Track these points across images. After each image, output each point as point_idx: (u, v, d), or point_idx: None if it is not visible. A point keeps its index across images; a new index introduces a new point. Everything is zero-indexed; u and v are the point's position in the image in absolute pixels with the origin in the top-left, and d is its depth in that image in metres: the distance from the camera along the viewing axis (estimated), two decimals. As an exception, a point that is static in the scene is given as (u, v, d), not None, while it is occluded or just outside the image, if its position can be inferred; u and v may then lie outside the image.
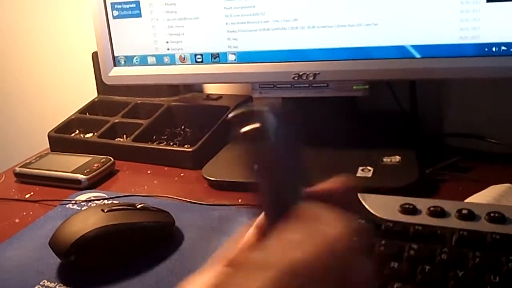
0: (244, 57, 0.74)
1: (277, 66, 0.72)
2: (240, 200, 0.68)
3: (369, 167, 0.69)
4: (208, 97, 0.94)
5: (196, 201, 0.68)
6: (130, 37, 0.79)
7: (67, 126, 0.95)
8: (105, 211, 0.59)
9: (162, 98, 0.95)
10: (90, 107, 0.99)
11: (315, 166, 0.70)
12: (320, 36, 0.69)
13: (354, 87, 0.71)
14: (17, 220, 0.70)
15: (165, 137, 0.89)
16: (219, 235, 0.61)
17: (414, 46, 0.66)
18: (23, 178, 0.81)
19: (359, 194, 0.53)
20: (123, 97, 0.99)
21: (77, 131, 0.96)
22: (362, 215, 0.51)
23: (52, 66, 1.19)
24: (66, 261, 0.57)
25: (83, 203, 0.71)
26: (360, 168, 0.69)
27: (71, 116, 0.96)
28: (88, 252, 0.56)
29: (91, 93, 1.03)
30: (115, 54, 0.80)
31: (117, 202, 0.68)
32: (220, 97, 0.93)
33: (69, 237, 0.56)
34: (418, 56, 0.66)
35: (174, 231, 0.62)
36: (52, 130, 0.93)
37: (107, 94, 1.00)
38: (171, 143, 0.86)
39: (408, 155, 0.71)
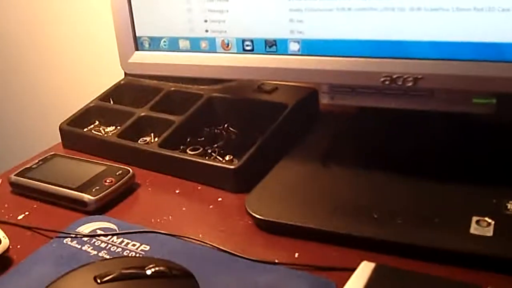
0: (312, 47, 0.52)
1: (360, 63, 0.50)
2: (297, 255, 0.48)
3: (488, 219, 0.47)
4: (260, 88, 0.73)
5: (234, 252, 0.49)
6: (157, 13, 0.58)
7: (85, 115, 0.77)
8: (100, 282, 0.40)
9: (201, 86, 0.75)
10: (114, 92, 0.80)
11: (406, 209, 0.51)
12: (427, 22, 0.47)
13: (474, 101, 0.48)
14: None
15: (203, 139, 0.69)
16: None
17: None
18: (19, 190, 0.64)
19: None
20: (155, 81, 0.79)
21: (97, 122, 0.77)
22: None
23: (74, 42, 1.00)
24: None
25: (84, 239, 0.53)
26: (475, 219, 0.47)
27: (90, 103, 0.78)
28: None
29: (118, 73, 0.84)
30: (137, 34, 0.60)
31: (120, 258, 0.49)
32: (275, 88, 0.72)
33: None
34: None
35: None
36: (64, 121, 0.75)
37: (136, 75, 0.81)
38: (209, 150, 0.66)
39: (544, 201, 0.49)
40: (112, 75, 0.85)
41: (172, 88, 0.77)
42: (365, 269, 0.41)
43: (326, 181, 0.56)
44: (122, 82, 0.82)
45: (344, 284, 0.42)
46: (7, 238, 0.52)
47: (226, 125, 0.71)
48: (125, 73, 0.83)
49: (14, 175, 0.64)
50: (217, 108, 0.73)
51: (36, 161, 0.67)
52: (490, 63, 0.46)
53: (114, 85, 0.81)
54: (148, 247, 0.51)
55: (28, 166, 0.66)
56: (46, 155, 0.68)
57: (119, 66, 0.84)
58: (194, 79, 0.74)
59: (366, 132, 0.63)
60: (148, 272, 0.42)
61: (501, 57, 0.45)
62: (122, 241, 0.52)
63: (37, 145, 0.78)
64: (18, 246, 0.54)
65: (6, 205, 0.62)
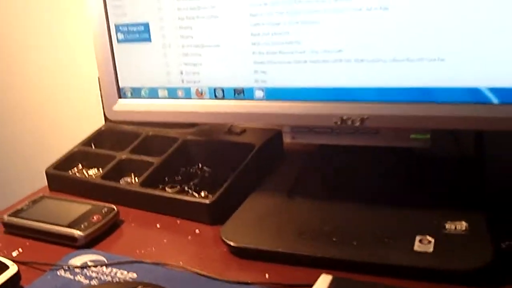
0: (275, 94, 0.60)
1: (315, 107, 0.58)
2: (267, 276, 0.55)
3: (429, 237, 0.55)
4: (230, 130, 0.80)
5: (211, 276, 0.55)
6: (138, 66, 0.66)
7: (69, 160, 0.83)
8: (97, 302, 0.46)
9: (177, 130, 0.82)
10: (96, 137, 0.87)
11: (361, 232, 0.59)
12: (370, 72, 0.55)
13: (412, 136, 0.57)
14: (-2, 290, 0.58)
15: (179, 177, 0.76)
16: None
17: (491, 89, 0.51)
18: (12, 229, 0.69)
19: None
20: (134, 126, 0.86)
21: (80, 166, 0.83)
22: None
23: (56, 90, 1.07)
24: None
25: (76, 270, 0.59)
26: (418, 238, 0.55)
27: (74, 148, 0.84)
28: None
29: (97, 119, 0.91)
30: (120, 85, 0.68)
31: (110, 283, 0.55)
32: (244, 130, 0.80)
33: None
34: (496, 101, 0.52)
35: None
36: (50, 166, 0.81)
37: (117, 121, 0.88)
38: (186, 187, 0.73)
39: (476, 221, 0.57)
40: (91, 121, 0.92)
41: (150, 133, 0.84)
42: (323, 281, 0.48)
43: (292, 211, 0.64)
44: (102, 128, 0.89)
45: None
46: (15, 265, 0.57)
47: (200, 165, 0.78)
48: (105, 119, 0.89)
49: (7, 216, 0.69)
50: (192, 149, 0.80)
51: (26, 202, 0.73)
52: (423, 104, 0.54)
53: (96, 130, 0.88)
54: (135, 275, 0.57)
55: (19, 207, 0.71)
56: (35, 197, 0.74)
57: (98, 113, 0.91)
58: (170, 123, 0.81)
59: (326, 166, 0.71)
60: (138, 292, 0.48)
61: (432, 99, 0.54)
62: (111, 271, 0.58)
63: (21, 189, 0.84)
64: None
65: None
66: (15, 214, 0.70)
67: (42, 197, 0.74)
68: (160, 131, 0.83)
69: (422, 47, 0.52)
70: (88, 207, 0.69)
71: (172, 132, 0.82)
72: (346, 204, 0.63)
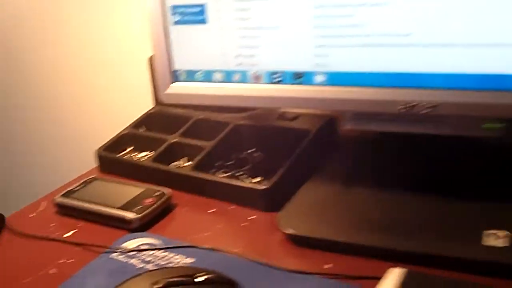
0: (336, 78, 0.58)
1: (380, 93, 0.56)
2: (327, 266, 0.53)
3: (500, 232, 0.52)
4: (282, 115, 0.79)
5: (270, 264, 0.54)
6: (193, 48, 0.65)
7: (118, 142, 0.82)
8: (157, 288, 0.45)
9: (226, 115, 0.81)
10: (145, 120, 0.86)
11: (425, 224, 0.57)
12: (440, 57, 0.53)
13: (485, 126, 0.54)
14: (52, 271, 0.58)
15: (231, 163, 0.75)
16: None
17: None
18: (64, 210, 0.69)
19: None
20: (183, 110, 0.85)
21: (130, 149, 0.83)
22: None
23: (105, 71, 1.07)
24: None
25: (131, 253, 0.58)
26: (488, 232, 0.52)
27: (123, 130, 0.84)
28: None
29: (148, 102, 0.91)
30: (175, 68, 0.66)
31: (171, 268, 0.54)
32: (296, 117, 0.78)
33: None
34: None
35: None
36: (101, 147, 0.80)
37: (166, 104, 0.87)
38: (238, 173, 0.71)
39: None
40: (141, 104, 0.92)
41: (200, 117, 0.82)
42: (393, 275, 0.46)
43: (350, 200, 0.62)
44: (152, 110, 0.88)
45: (372, 290, 0.47)
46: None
47: (251, 151, 0.77)
48: (156, 102, 0.89)
49: (59, 197, 0.69)
50: (243, 134, 0.78)
51: (78, 183, 0.72)
52: (498, 92, 0.51)
53: (145, 113, 0.87)
54: (192, 260, 0.56)
55: (70, 188, 0.71)
56: (87, 179, 0.74)
57: (147, 95, 0.90)
58: (220, 108, 0.80)
59: (385, 155, 0.69)
60: (198, 280, 0.47)
61: (505, 87, 0.51)
62: (166, 255, 0.57)
63: (72, 171, 0.84)
64: (70, 260, 0.59)
65: (52, 225, 0.67)
66: (68, 194, 0.70)
67: (94, 179, 0.74)
68: (210, 115, 0.82)
69: (501, 31, 0.49)
70: (140, 189, 0.69)
71: (222, 117, 0.81)
72: (407, 195, 0.61)
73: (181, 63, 0.66)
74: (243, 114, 0.80)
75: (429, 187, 0.60)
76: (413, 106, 0.54)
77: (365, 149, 0.72)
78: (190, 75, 0.66)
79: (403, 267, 0.49)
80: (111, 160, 0.79)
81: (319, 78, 0.59)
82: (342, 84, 0.58)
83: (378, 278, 0.48)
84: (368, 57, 0.56)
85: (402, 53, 0.54)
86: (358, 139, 0.73)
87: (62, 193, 0.70)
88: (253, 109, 0.80)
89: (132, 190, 0.69)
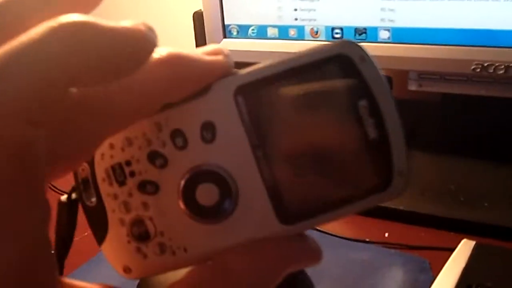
0: (403, 35, 0.54)
1: (451, 51, 0.52)
2: (387, 235, 0.50)
3: None
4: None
5: (327, 231, 0.51)
6: (247, 1, 0.61)
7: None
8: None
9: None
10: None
11: (491, 192, 0.53)
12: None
13: None
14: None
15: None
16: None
17: None
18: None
19: None
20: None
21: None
22: None
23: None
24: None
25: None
26: None
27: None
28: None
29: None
30: (226, 22, 0.63)
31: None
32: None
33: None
34: None
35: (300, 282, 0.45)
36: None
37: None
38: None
39: None
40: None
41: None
42: (465, 247, 0.43)
43: (411, 165, 0.58)
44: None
45: (435, 262, 0.44)
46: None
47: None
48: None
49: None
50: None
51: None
52: None
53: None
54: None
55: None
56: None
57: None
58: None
59: (446, 118, 0.64)
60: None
61: None
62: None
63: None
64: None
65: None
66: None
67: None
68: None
69: None
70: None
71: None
72: (471, 161, 0.57)
73: (233, 18, 0.62)
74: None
75: (495, 154, 0.56)
76: (488, 66, 0.50)
77: (428, 112, 0.68)
78: (243, 31, 0.62)
79: (465, 236, 0.46)
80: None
81: (384, 34, 0.55)
82: (410, 42, 0.53)
83: (438, 249, 0.45)
84: (439, 12, 0.51)
85: (477, 8, 0.49)
86: (415, 101, 0.69)
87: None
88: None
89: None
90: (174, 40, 1.02)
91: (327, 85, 0.19)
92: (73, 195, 0.21)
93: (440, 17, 0.51)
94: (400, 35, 0.54)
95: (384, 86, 0.19)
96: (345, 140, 0.19)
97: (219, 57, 0.20)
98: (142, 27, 0.17)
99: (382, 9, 0.54)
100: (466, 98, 0.56)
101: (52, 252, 0.16)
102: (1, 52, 0.15)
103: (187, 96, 0.19)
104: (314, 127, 0.19)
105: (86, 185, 0.21)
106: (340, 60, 0.19)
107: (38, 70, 0.15)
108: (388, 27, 0.54)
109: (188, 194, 0.20)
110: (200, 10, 0.73)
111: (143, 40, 0.17)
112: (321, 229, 0.51)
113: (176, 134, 0.20)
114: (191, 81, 0.19)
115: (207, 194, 0.20)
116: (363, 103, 0.19)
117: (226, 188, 0.19)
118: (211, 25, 0.64)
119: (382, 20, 0.54)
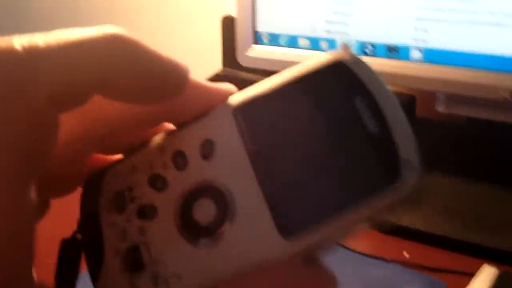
0: (435, 56, 0.54)
1: (482, 76, 0.52)
2: (406, 254, 0.50)
3: None
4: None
5: (349, 248, 0.51)
6: (280, 10, 0.61)
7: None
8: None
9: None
10: (214, 81, 0.83)
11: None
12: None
13: None
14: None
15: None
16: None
17: None
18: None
19: None
20: (252, 75, 0.82)
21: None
22: None
23: (176, 31, 1.04)
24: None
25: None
26: None
27: (190, 90, 0.81)
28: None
29: (216, 64, 0.88)
30: (258, 29, 0.63)
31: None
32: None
33: None
34: None
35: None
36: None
37: (234, 67, 0.84)
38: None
39: None
40: (209, 65, 0.89)
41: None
42: (486, 273, 0.43)
43: (431, 186, 0.58)
44: (220, 73, 0.85)
45: (453, 285, 0.44)
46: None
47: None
48: (223, 64, 0.86)
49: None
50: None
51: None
52: None
53: (213, 75, 0.84)
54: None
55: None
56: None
57: (216, 57, 0.88)
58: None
59: (466, 142, 0.65)
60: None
61: None
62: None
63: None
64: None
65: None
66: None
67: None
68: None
69: None
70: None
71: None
72: (493, 186, 0.57)
73: (265, 25, 0.63)
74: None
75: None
76: (519, 93, 0.50)
77: (445, 134, 0.68)
78: (273, 39, 0.63)
79: (487, 263, 0.46)
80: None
81: (415, 54, 0.55)
82: (441, 63, 0.54)
83: (457, 273, 0.45)
84: (473, 35, 0.51)
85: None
86: (436, 123, 0.69)
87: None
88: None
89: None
90: (200, 44, 1.02)
91: (324, 93, 0.19)
92: (78, 236, 0.21)
93: (474, 42, 0.51)
94: (432, 56, 0.54)
95: (381, 84, 0.19)
96: (346, 141, 0.19)
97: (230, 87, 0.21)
98: (184, 65, 0.19)
99: (416, 29, 0.54)
100: (490, 121, 0.56)
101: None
102: (56, 36, 0.16)
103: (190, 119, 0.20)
104: (313, 136, 0.19)
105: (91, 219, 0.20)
106: (333, 67, 0.19)
107: (76, 63, 0.16)
108: (421, 47, 0.54)
109: (185, 212, 0.19)
110: (229, 15, 0.73)
111: (184, 73, 0.19)
112: (341, 244, 0.51)
113: (177, 155, 0.20)
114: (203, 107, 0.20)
115: (204, 210, 0.19)
116: (359, 101, 0.19)
117: (224, 204, 0.19)
118: (242, 31, 0.64)
119: (415, 39, 0.54)
